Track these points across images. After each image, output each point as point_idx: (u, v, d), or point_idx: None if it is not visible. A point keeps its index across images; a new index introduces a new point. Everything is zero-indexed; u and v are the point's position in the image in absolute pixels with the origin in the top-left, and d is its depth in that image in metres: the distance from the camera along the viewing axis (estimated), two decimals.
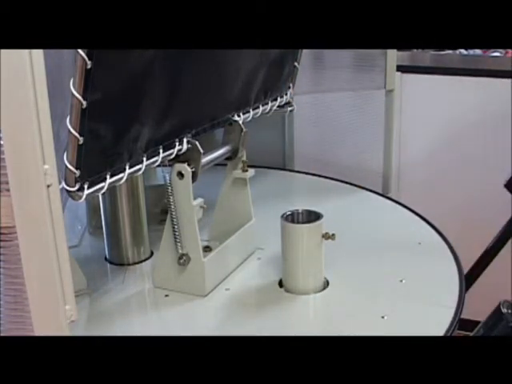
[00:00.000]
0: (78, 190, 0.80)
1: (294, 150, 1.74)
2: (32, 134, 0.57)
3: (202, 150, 0.98)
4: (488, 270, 1.52)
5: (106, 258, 1.16)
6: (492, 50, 2.32)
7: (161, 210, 1.24)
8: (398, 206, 1.36)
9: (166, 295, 1.02)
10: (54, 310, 0.62)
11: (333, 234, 0.99)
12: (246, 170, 1.13)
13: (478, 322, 1.11)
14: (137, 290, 1.06)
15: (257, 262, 1.13)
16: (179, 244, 0.99)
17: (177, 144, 0.97)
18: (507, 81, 1.71)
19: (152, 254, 1.17)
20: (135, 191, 1.12)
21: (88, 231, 1.29)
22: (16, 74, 0.56)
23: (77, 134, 0.76)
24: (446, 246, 1.15)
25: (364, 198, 1.42)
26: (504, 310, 1.04)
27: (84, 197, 0.81)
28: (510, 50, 2.27)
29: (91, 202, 1.24)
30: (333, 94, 1.67)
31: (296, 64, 1.35)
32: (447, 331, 0.88)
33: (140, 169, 0.91)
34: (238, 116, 1.15)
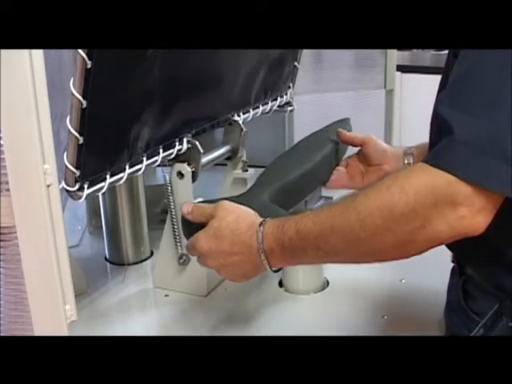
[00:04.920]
0: (78, 189, 0.80)
1: None
2: (32, 133, 0.57)
3: (201, 150, 0.98)
4: None
5: (105, 258, 1.16)
6: None
7: (161, 209, 1.24)
8: None
9: (166, 295, 1.02)
10: (54, 310, 0.62)
11: None
12: (246, 170, 1.13)
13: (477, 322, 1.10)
14: (137, 289, 1.06)
15: None
16: (179, 244, 0.99)
17: (177, 144, 0.97)
18: None
19: (152, 253, 1.17)
20: (135, 191, 1.12)
21: (88, 231, 1.29)
22: (16, 73, 0.56)
23: (77, 134, 0.76)
24: (445, 246, 1.14)
25: None
26: (504, 310, 1.04)
27: (84, 197, 0.81)
28: None
29: (91, 202, 1.24)
30: (333, 94, 1.67)
31: (296, 64, 1.35)
32: None
33: (140, 169, 0.91)
34: (238, 116, 1.15)
